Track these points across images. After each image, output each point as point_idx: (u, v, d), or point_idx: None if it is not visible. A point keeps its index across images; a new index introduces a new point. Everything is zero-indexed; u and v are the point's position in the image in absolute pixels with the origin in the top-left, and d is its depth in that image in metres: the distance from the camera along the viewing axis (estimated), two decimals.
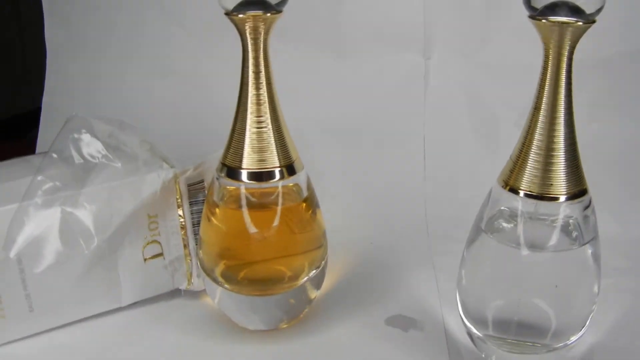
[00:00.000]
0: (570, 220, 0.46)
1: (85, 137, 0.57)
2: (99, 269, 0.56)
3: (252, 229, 0.51)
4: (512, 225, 0.46)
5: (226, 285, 0.53)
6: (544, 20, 0.41)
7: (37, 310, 0.54)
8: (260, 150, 0.49)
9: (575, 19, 0.41)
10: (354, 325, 0.57)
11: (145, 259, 0.58)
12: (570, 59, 0.42)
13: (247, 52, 0.48)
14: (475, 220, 0.49)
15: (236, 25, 0.48)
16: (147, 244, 0.57)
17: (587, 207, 0.46)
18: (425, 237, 0.73)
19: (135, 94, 0.88)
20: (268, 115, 0.49)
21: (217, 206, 0.52)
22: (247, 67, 0.48)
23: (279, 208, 0.51)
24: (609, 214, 0.72)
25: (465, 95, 0.84)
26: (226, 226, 0.52)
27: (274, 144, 0.49)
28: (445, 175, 0.82)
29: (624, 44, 0.81)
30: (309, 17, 0.83)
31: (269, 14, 0.47)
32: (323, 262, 0.56)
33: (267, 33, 0.48)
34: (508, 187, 0.45)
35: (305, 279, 0.54)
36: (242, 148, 0.49)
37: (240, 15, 0.47)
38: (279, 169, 0.50)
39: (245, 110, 0.49)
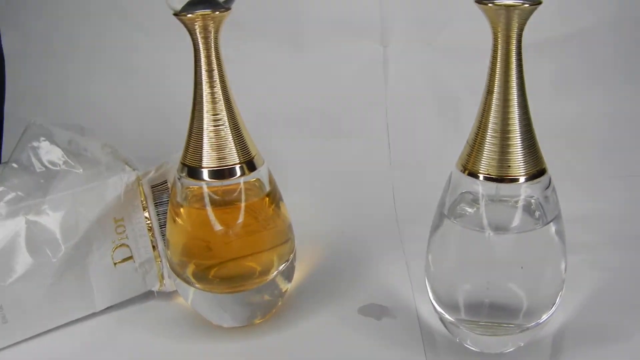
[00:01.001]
0: (532, 200, 0.45)
1: (45, 145, 0.56)
2: (70, 276, 0.55)
3: (218, 227, 0.51)
4: (474, 209, 0.46)
5: (198, 285, 0.53)
6: (490, 4, 0.41)
7: (11, 321, 0.54)
8: (219, 148, 0.49)
9: (521, 1, 0.40)
10: (327, 316, 0.57)
11: (115, 263, 0.57)
12: (519, 41, 0.42)
13: (199, 51, 0.48)
14: (437, 206, 0.49)
15: (185, 25, 0.47)
16: (116, 247, 0.57)
17: (547, 187, 0.46)
18: (394, 224, 0.73)
19: (98, 97, 0.87)
20: (224, 113, 0.49)
21: (181, 207, 0.52)
22: (200, 66, 0.48)
23: (243, 204, 0.51)
24: (574, 190, 0.73)
25: (426, 79, 0.84)
26: (192, 226, 0.52)
27: (232, 141, 0.49)
28: (412, 160, 0.81)
29: (583, 22, 0.81)
30: (265, 11, 0.83)
31: (217, 12, 0.47)
32: (292, 255, 0.56)
33: (217, 31, 0.47)
34: (467, 172, 0.45)
35: (276, 272, 0.54)
36: (201, 147, 0.49)
37: (189, 15, 0.46)
38: (239, 165, 0.50)
39: (201, 109, 0.49)
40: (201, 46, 0.47)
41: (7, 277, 0.53)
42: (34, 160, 0.56)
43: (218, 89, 0.48)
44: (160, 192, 0.58)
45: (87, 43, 0.87)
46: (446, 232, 0.48)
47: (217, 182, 0.50)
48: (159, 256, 0.59)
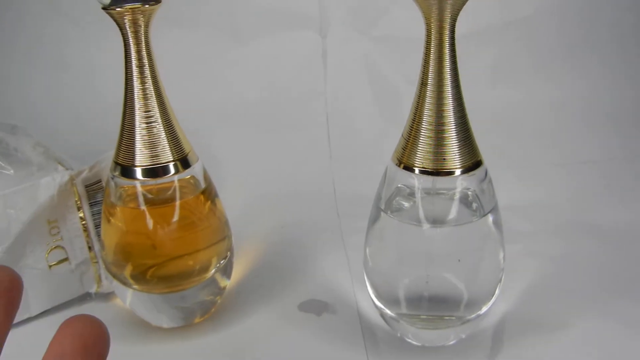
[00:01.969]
0: (469, 192, 0.45)
1: None
2: None
3: (153, 226, 0.50)
4: (411, 202, 0.46)
5: (135, 286, 0.52)
6: None
7: None
8: (152, 145, 0.48)
9: None
10: (267, 313, 0.57)
11: (50, 266, 0.56)
12: (452, 32, 0.41)
13: (129, 45, 0.46)
14: (374, 200, 0.49)
15: (115, 19, 0.46)
16: (51, 249, 0.56)
17: (483, 179, 0.45)
18: (335, 217, 0.72)
19: (30, 94, 0.85)
20: (156, 110, 0.48)
21: (116, 206, 0.50)
22: (130, 62, 0.47)
23: (177, 202, 0.50)
24: (514, 179, 0.73)
25: (366, 70, 0.84)
26: (126, 226, 0.51)
27: (165, 138, 0.48)
28: (352, 152, 0.81)
29: (524, 9, 0.82)
30: (201, 3, 0.82)
31: (147, 5, 0.45)
32: (229, 252, 0.55)
33: (147, 25, 0.46)
34: (402, 165, 0.45)
35: (214, 270, 0.53)
36: (133, 145, 0.48)
37: (118, 9, 0.45)
38: (173, 163, 0.49)
39: (133, 106, 0.47)
40: (131, 41, 0.46)
41: None
42: None
43: (149, 84, 0.47)
44: (94, 192, 0.57)
45: (19, 39, 0.85)
46: (383, 226, 0.48)
47: (151, 181, 0.49)
48: (95, 257, 0.57)
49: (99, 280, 0.58)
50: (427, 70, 0.42)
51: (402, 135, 0.45)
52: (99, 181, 0.57)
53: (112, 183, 0.50)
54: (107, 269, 0.53)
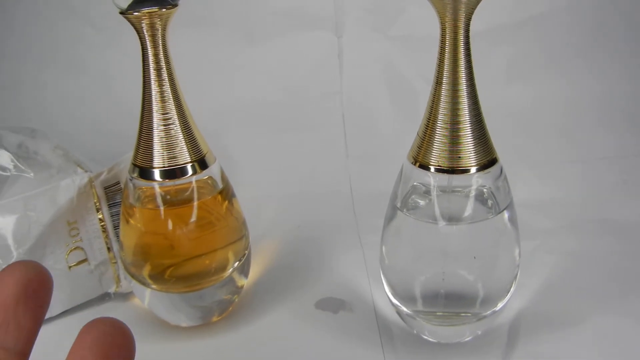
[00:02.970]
0: (484, 190, 0.46)
1: None
2: None
3: (171, 227, 0.50)
4: (427, 200, 0.46)
5: (153, 286, 0.52)
6: None
7: None
8: (170, 147, 0.48)
9: None
10: (284, 311, 0.57)
11: (69, 267, 0.57)
12: (467, 31, 0.42)
13: (147, 49, 0.47)
14: (390, 199, 0.49)
15: (132, 23, 0.46)
16: (70, 251, 0.56)
17: (499, 176, 0.46)
18: (352, 216, 0.73)
19: (48, 97, 0.86)
20: (174, 112, 0.48)
21: (134, 208, 0.51)
22: (148, 65, 0.47)
23: (195, 203, 0.51)
24: (529, 175, 0.73)
25: (382, 69, 0.84)
26: (145, 227, 0.51)
27: (182, 139, 0.49)
28: (368, 151, 0.81)
29: (538, 7, 0.82)
30: (216, 3, 0.82)
31: (164, 9, 0.46)
32: (247, 251, 0.55)
33: (164, 28, 0.47)
34: (418, 164, 0.45)
35: (231, 269, 0.53)
36: (151, 147, 0.48)
37: (135, 13, 0.45)
38: (191, 164, 0.49)
39: (151, 108, 0.48)
40: (149, 44, 0.47)
41: None
42: None
43: (167, 87, 0.48)
44: (113, 193, 0.57)
45: (37, 41, 0.86)
46: (399, 224, 0.48)
47: (169, 182, 0.49)
48: (114, 257, 0.58)
49: (118, 281, 0.59)
50: (442, 69, 0.43)
51: (417, 133, 0.46)
52: (118, 183, 0.58)
53: (130, 184, 0.51)
54: (126, 269, 0.54)
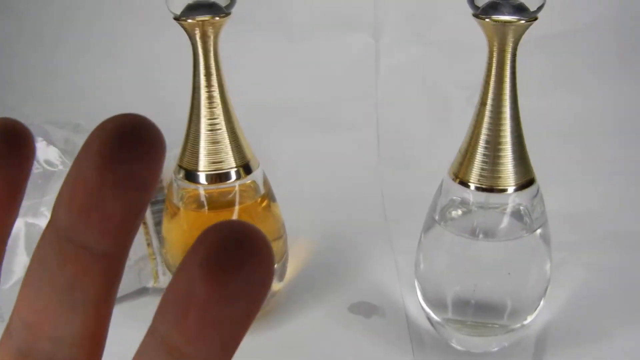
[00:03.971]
0: (521, 208, 0.47)
1: (42, 145, 0.57)
2: None
3: None
4: (465, 215, 0.47)
5: None
6: (487, 19, 0.42)
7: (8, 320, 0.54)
8: (216, 152, 0.50)
9: (517, 17, 0.41)
10: (317, 314, 0.58)
11: None
12: (514, 55, 0.43)
13: (198, 55, 0.48)
14: (429, 210, 0.50)
15: (185, 29, 0.47)
16: None
17: (535, 196, 0.47)
18: (383, 220, 0.74)
19: (91, 89, 0.87)
20: (222, 117, 0.49)
21: (178, 207, 0.52)
22: (199, 70, 0.48)
23: (237, 207, 0.52)
24: (558, 188, 0.73)
25: (417, 74, 0.84)
26: (188, 226, 0.53)
27: (229, 145, 0.50)
28: (400, 156, 0.82)
29: (583, 17, 0.82)
30: (257, 2, 0.83)
31: (217, 18, 0.47)
32: (284, 256, 0.57)
33: (216, 36, 0.48)
34: (458, 180, 0.46)
35: None
36: (197, 151, 0.50)
37: (189, 21, 0.46)
38: (235, 169, 0.50)
39: (199, 112, 0.49)
40: (200, 51, 0.48)
41: (7, 280, 0.53)
42: None
43: (216, 93, 0.49)
44: (155, 191, 0.59)
45: (80, 32, 0.87)
46: (436, 235, 0.49)
47: (213, 186, 0.51)
48: (154, 253, 0.60)
49: (156, 276, 0.60)
50: (487, 91, 0.44)
51: (459, 150, 0.47)
52: (160, 181, 0.59)
53: (175, 185, 0.52)
54: (167, 264, 0.55)
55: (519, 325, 0.50)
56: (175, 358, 0.16)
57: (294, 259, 0.65)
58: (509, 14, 0.41)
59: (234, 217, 0.52)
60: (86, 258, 0.17)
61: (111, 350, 0.53)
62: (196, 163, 0.50)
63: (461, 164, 0.46)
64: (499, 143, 0.44)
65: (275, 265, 0.54)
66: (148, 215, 0.59)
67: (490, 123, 0.44)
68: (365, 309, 0.58)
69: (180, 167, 0.51)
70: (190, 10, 0.46)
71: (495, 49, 0.43)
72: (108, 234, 0.16)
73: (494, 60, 0.43)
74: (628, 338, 0.54)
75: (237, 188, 0.51)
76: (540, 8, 0.41)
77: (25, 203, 0.54)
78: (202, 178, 0.50)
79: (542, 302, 0.50)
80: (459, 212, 0.48)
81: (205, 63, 0.48)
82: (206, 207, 0.52)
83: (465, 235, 0.47)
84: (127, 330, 0.56)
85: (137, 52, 0.87)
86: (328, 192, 0.78)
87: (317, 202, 0.76)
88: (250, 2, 0.82)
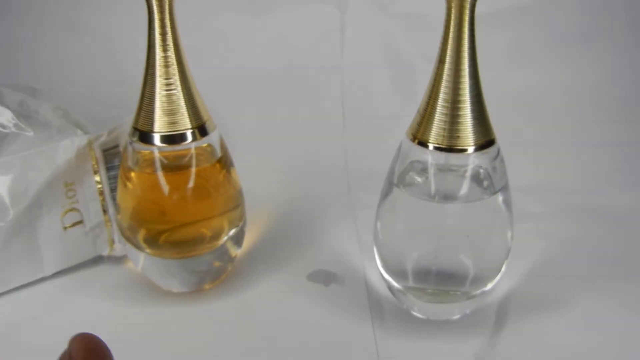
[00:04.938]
0: (481, 170, 0.46)
1: None
2: (18, 241, 0.55)
3: (168, 192, 0.51)
4: (423, 177, 0.47)
5: (148, 250, 0.53)
6: None
7: None
8: (171, 112, 0.48)
9: None
10: (276, 282, 0.58)
11: (65, 227, 0.57)
12: (472, 11, 0.42)
13: (153, 13, 0.47)
14: (387, 174, 0.49)
15: None
16: (66, 212, 0.57)
17: (495, 157, 0.46)
18: (346, 190, 0.73)
19: (49, 57, 0.85)
20: (177, 77, 0.48)
21: (132, 171, 0.51)
22: (154, 29, 0.47)
23: (193, 170, 0.51)
24: (524, 159, 0.74)
25: (383, 46, 0.84)
26: (142, 191, 0.52)
27: (184, 105, 0.49)
28: (365, 127, 0.82)
29: None
30: None
31: None
32: (242, 221, 0.56)
33: None
34: (417, 141, 0.45)
35: (226, 238, 0.54)
36: (152, 111, 0.48)
37: None
38: (191, 130, 0.49)
39: (154, 73, 0.48)
40: (155, 9, 0.47)
41: None
42: None
43: (171, 52, 0.48)
44: (111, 156, 0.58)
45: (37, 2, 0.85)
46: (395, 200, 0.48)
47: (168, 147, 0.49)
48: (110, 220, 0.58)
49: (112, 244, 0.59)
50: (446, 48, 0.43)
51: (417, 111, 0.46)
52: (117, 146, 0.58)
53: (130, 148, 0.51)
54: (121, 232, 0.54)
55: (479, 291, 0.49)
56: None
57: (254, 227, 0.64)
58: None
59: (190, 180, 0.51)
60: None
61: (67, 318, 0.53)
62: (151, 124, 0.49)
63: (420, 124, 0.45)
64: (458, 102, 0.43)
65: (233, 231, 0.53)
66: (104, 180, 0.58)
67: (448, 81, 0.43)
68: (324, 277, 0.58)
69: (134, 128, 0.50)
70: None
71: (453, 4, 0.42)
72: None
73: (452, 16, 0.42)
74: (587, 306, 0.54)
75: (193, 150, 0.50)
76: None
77: None
78: (157, 139, 0.49)
79: (503, 268, 0.50)
80: (418, 175, 0.47)
81: (160, 22, 0.47)
82: (161, 170, 0.50)
83: (424, 198, 0.46)
84: (83, 298, 0.56)
85: (95, 19, 0.86)
86: (292, 161, 0.78)
87: (280, 171, 0.76)
88: None
